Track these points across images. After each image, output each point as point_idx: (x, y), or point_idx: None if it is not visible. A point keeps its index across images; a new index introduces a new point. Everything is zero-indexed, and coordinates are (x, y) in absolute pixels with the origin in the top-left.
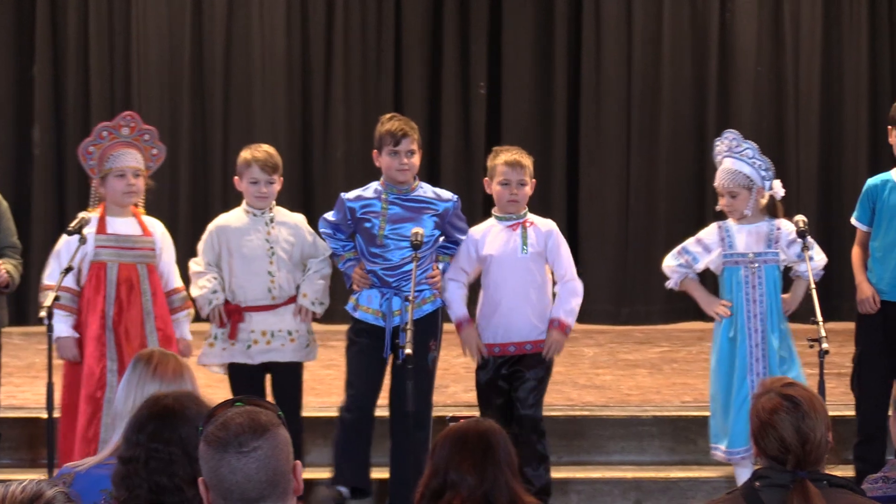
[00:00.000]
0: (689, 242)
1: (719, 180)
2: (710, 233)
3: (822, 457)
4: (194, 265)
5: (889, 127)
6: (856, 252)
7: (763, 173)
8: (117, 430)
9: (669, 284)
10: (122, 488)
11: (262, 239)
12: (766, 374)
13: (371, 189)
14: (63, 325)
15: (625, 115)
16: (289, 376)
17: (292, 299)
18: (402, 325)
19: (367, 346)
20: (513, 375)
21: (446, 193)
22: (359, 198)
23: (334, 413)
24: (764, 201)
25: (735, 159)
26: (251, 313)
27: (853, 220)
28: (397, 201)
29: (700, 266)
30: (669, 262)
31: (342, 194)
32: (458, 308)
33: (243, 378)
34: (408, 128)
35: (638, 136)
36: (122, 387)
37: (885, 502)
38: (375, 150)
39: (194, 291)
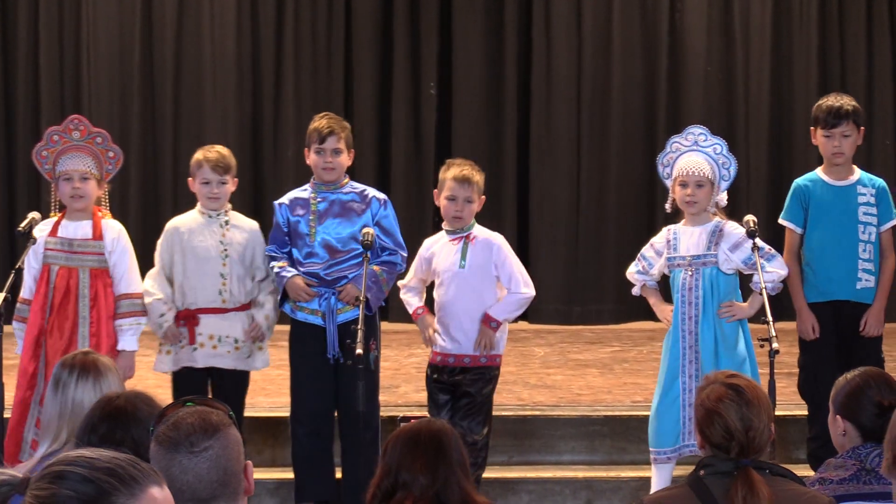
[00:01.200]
0: (645, 248)
1: (686, 169)
2: (660, 237)
3: (765, 445)
4: (148, 281)
5: (812, 128)
6: (791, 266)
7: (723, 172)
8: (45, 441)
9: (634, 292)
10: None
11: (217, 241)
12: (698, 376)
13: (300, 192)
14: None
15: (575, 115)
16: (232, 383)
17: (244, 307)
18: (346, 324)
19: (312, 352)
20: (456, 388)
21: (376, 192)
22: (294, 199)
23: (284, 413)
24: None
25: (701, 153)
26: (200, 315)
27: (785, 222)
28: (326, 199)
29: (655, 271)
30: (630, 270)
31: (275, 202)
32: (413, 301)
33: (187, 381)
34: (337, 126)
35: (588, 136)
36: (47, 395)
37: None
38: (306, 148)
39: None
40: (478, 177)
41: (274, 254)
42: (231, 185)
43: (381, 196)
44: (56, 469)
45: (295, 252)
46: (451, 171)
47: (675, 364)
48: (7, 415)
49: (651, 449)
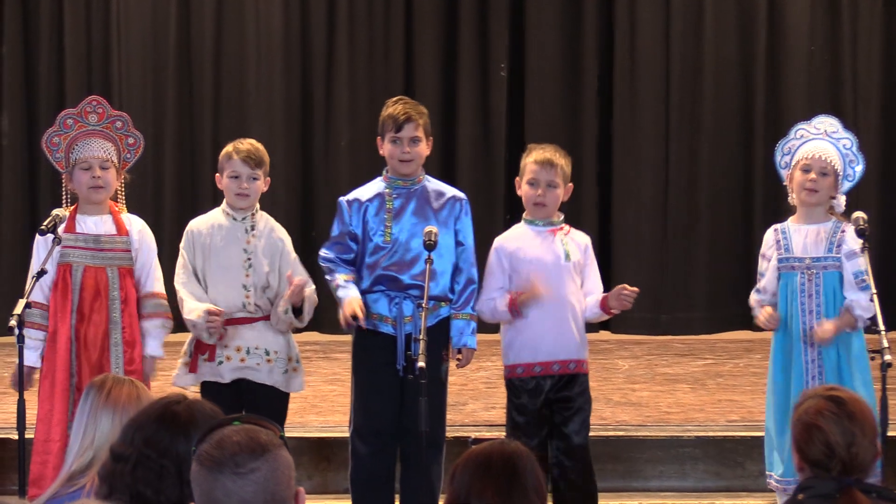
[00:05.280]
0: (760, 263)
1: (811, 153)
2: (766, 240)
3: (870, 464)
4: (180, 286)
5: None
6: None
7: (849, 170)
8: (68, 460)
9: (761, 321)
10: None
11: (240, 248)
12: None
13: (372, 188)
14: (32, 354)
15: (663, 99)
16: (268, 402)
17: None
18: (414, 334)
19: (379, 363)
20: (559, 402)
21: (455, 191)
22: (366, 196)
23: (338, 433)
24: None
25: (829, 142)
26: (225, 327)
27: None
28: (402, 195)
29: (768, 284)
30: (752, 297)
31: (340, 198)
32: (501, 304)
33: (212, 399)
34: (414, 112)
35: (677, 123)
36: (77, 417)
37: None
38: (379, 137)
39: (187, 315)
40: (562, 160)
41: (331, 263)
42: (263, 184)
43: (462, 196)
44: None
45: (365, 254)
46: (533, 155)
47: (798, 381)
48: (30, 434)
49: (778, 477)
